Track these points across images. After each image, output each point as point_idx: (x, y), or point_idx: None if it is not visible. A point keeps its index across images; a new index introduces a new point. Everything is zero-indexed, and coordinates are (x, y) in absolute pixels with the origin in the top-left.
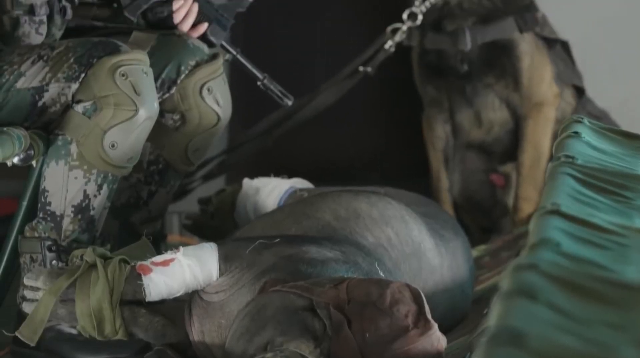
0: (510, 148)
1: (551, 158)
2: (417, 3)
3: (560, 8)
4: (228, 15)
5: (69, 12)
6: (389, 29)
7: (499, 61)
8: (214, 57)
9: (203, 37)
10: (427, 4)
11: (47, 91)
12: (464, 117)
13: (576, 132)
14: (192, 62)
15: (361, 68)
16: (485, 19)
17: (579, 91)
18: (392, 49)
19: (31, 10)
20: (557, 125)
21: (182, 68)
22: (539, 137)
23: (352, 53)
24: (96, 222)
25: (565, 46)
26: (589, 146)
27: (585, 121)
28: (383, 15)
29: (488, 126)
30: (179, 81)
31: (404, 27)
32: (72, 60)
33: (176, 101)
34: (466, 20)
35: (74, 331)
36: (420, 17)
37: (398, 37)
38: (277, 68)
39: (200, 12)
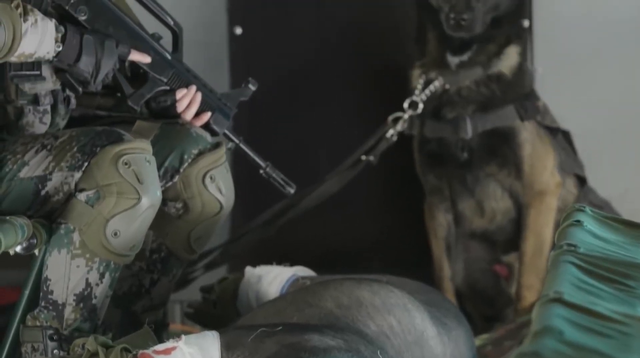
0: (513, 236)
1: (553, 246)
2: (417, 91)
3: (561, 98)
4: (231, 104)
5: (73, 101)
6: (391, 118)
7: (500, 149)
8: (216, 145)
9: (206, 126)
10: (427, 92)
11: (50, 180)
12: (466, 206)
13: (578, 221)
14: (195, 151)
15: (364, 157)
16: (484, 106)
17: (581, 181)
18: (394, 138)
19: (35, 100)
20: (559, 214)
21: (185, 157)
22: (541, 225)
23: (354, 142)
24: (98, 311)
25: (566, 135)
26: (592, 234)
27: (587, 209)
28: (384, 104)
29: (491, 215)
30: (181, 170)
31: (405, 116)
32: (75, 149)
33: (179, 189)
34: (466, 108)
35: None
36: (420, 105)
37: (400, 126)
38: (279, 156)
39: (203, 101)
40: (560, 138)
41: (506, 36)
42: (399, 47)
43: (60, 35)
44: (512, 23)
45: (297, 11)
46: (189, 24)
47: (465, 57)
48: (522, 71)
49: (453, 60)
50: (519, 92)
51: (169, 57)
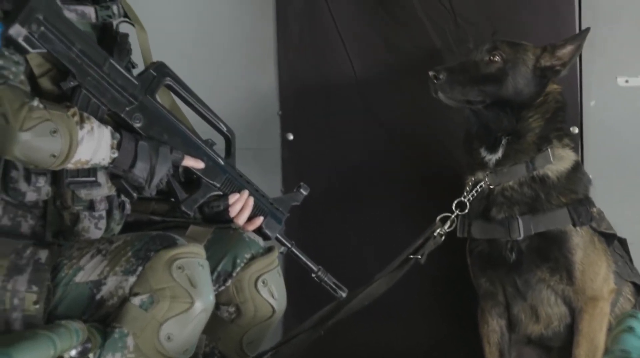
0: (569, 342)
1: (606, 352)
2: (465, 192)
3: (616, 207)
4: (283, 209)
5: (128, 207)
6: (439, 218)
7: (551, 253)
8: (269, 250)
9: (258, 231)
10: (474, 192)
11: (105, 284)
12: (520, 310)
13: (631, 327)
14: (248, 255)
15: (412, 256)
16: (532, 208)
17: (638, 288)
18: (442, 238)
19: (91, 206)
20: (613, 320)
21: (238, 261)
22: (594, 331)
23: (403, 243)
24: None
25: (623, 242)
26: None
27: None
28: (433, 205)
29: (546, 320)
30: (234, 274)
31: (453, 216)
32: (130, 254)
33: (232, 294)
34: (512, 209)
35: None
36: (468, 205)
37: (447, 226)
38: (330, 259)
39: (255, 206)
40: (617, 245)
41: (545, 135)
42: (447, 150)
43: (115, 142)
44: (538, 120)
45: (347, 118)
46: (242, 130)
47: (499, 154)
48: (574, 176)
49: (489, 158)
50: (571, 196)
51: (222, 162)
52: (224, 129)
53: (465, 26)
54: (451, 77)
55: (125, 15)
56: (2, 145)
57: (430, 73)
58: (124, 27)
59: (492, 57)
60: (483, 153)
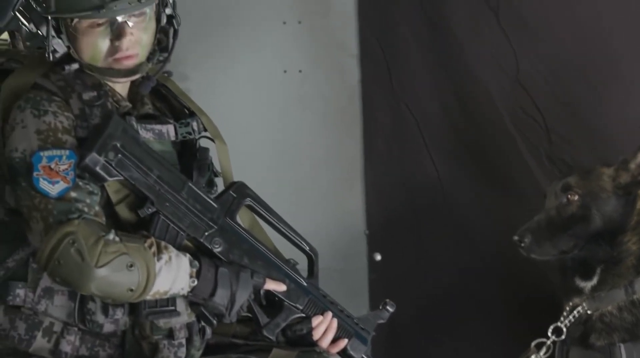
0: None
1: None
2: (562, 317)
3: None
4: (369, 328)
5: (209, 331)
6: (534, 343)
7: None
8: None
9: (343, 353)
10: (571, 318)
11: None
12: None
13: None
14: None
15: None
16: (633, 334)
17: None
18: None
19: (170, 334)
20: None
21: None
22: None
23: None
24: None
25: None
26: None
27: None
28: (526, 328)
29: None
30: None
31: (549, 342)
32: None
33: None
34: (612, 335)
35: None
36: (564, 331)
37: (543, 353)
38: None
39: (339, 327)
40: None
41: None
42: (542, 272)
43: (194, 270)
44: (637, 243)
45: (436, 236)
46: (327, 249)
47: (594, 281)
48: None
49: (584, 285)
50: None
51: (305, 283)
52: (307, 248)
53: (560, 143)
54: (536, 236)
55: (205, 130)
56: (78, 282)
57: (515, 238)
58: (204, 141)
59: (569, 197)
60: (578, 281)
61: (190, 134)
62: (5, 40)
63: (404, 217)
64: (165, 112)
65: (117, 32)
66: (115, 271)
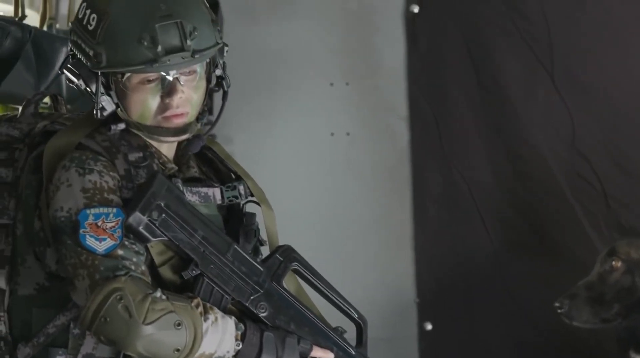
0: None
1: None
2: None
3: None
4: None
5: None
6: None
7: None
8: None
9: None
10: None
11: None
12: None
13: None
14: None
15: None
16: None
17: None
18: None
19: None
20: None
21: None
22: None
23: None
24: None
25: None
26: None
27: None
28: None
29: None
30: None
31: None
32: None
33: None
34: None
35: None
36: None
37: None
38: None
39: None
40: None
41: None
42: (599, 341)
43: (240, 333)
44: None
45: (489, 306)
46: (376, 318)
47: None
48: None
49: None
50: None
51: (353, 352)
52: (355, 316)
53: (618, 209)
54: (575, 303)
55: (252, 195)
56: (125, 340)
57: (555, 304)
58: (251, 206)
59: (613, 263)
60: (632, 353)
61: (236, 198)
62: (46, 103)
63: (456, 285)
64: (211, 176)
65: (168, 89)
66: (162, 330)
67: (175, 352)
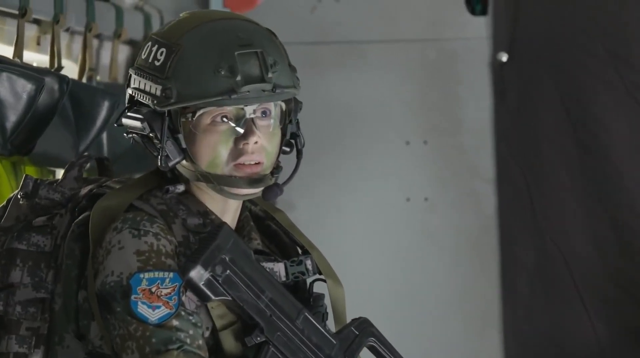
0: None
1: None
2: None
3: None
4: None
5: None
6: None
7: None
8: None
9: None
10: None
11: None
12: None
13: None
14: None
15: None
16: None
17: None
18: None
19: None
20: None
21: None
22: None
23: None
24: None
25: None
26: None
27: None
28: None
29: None
30: None
31: None
32: None
33: None
34: None
35: None
36: None
37: None
38: None
39: None
40: None
41: None
42: None
43: None
44: None
45: None
46: None
47: None
48: None
49: None
50: None
51: None
52: None
53: None
54: None
55: (319, 272)
56: None
57: None
58: (319, 287)
59: None
60: None
61: (303, 274)
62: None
63: None
64: (274, 250)
65: (244, 130)
66: None
67: None
